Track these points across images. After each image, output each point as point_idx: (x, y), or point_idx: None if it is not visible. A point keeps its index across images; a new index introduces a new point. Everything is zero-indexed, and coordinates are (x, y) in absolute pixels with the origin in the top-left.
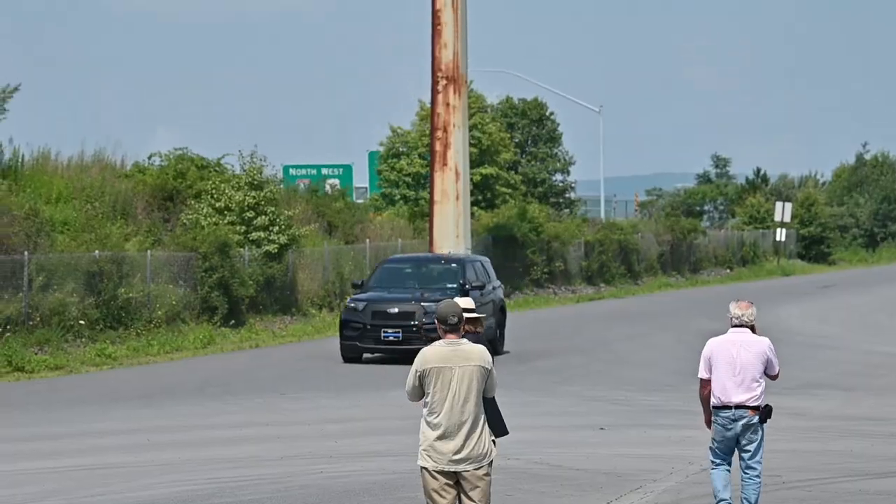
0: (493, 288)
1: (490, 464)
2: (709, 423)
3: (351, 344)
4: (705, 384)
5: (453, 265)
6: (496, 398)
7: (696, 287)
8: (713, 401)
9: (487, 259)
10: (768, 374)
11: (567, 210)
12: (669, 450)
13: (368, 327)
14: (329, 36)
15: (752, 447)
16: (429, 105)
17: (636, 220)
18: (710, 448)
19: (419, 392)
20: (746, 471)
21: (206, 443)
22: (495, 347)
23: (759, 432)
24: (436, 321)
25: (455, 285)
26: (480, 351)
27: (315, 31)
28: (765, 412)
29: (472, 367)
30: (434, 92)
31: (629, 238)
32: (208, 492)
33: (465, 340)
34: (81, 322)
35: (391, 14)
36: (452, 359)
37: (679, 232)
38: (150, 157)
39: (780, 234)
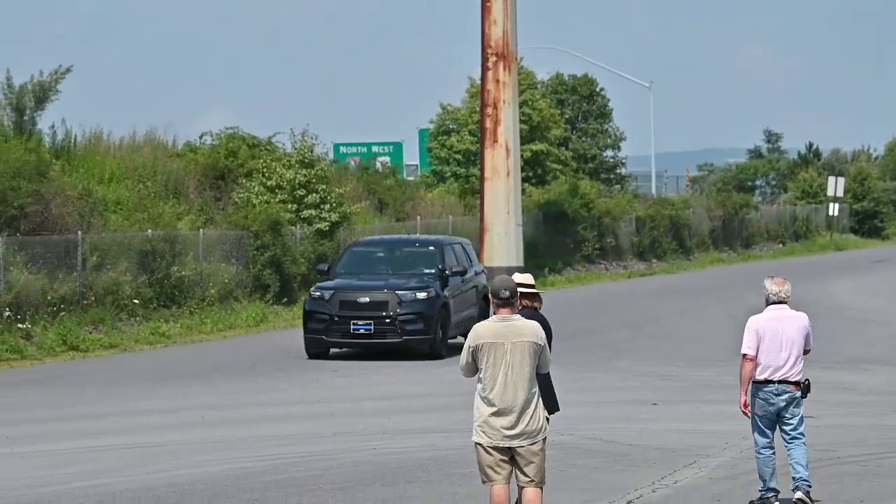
0: (476, 273)
1: (545, 439)
2: (745, 405)
3: (316, 338)
4: (750, 360)
5: (430, 248)
6: (550, 374)
7: (748, 262)
8: (756, 376)
9: (468, 241)
10: (805, 348)
11: (618, 186)
12: (722, 425)
13: (336, 319)
14: (379, 13)
15: (794, 420)
16: (479, 82)
17: (687, 196)
18: (755, 424)
19: (473, 368)
20: (792, 441)
21: (259, 420)
22: None
23: (801, 406)
24: (490, 295)
25: (433, 271)
26: (533, 327)
27: (365, 9)
28: (806, 387)
29: (524, 342)
30: (484, 69)
31: (680, 213)
32: (261, 469)
33: (517, 316)
34: (135, 301)
35: None
36: (505, 334)
37: (731, 207)
38: (201, 137)
39: (833, 209)
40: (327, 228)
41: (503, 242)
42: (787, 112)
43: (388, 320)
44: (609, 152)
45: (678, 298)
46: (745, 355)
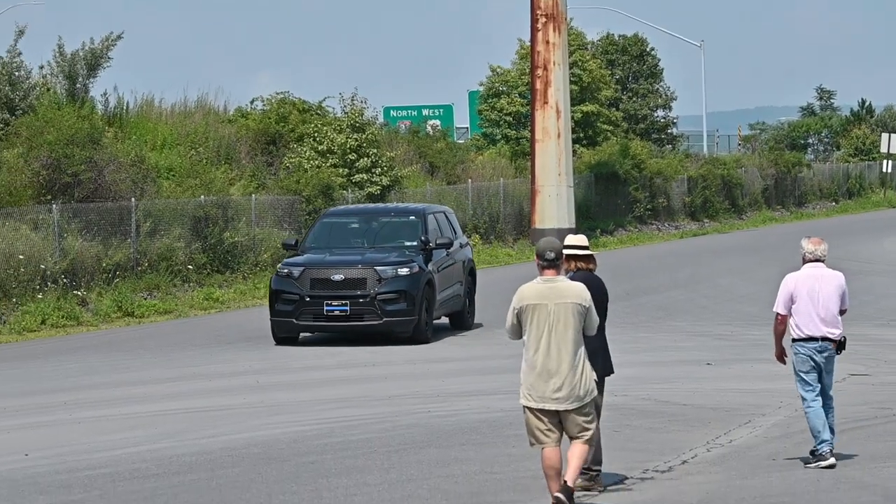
0: (461, 245)
1: (592, 402)
2: (779, 356)
3: (284, 321)
4: (782, 319)
5: (411, 218)
6: (606, 336)
7: (802, 221)
8: (797, 333)
9: (451, 210)
10: (841, 307)
11: (669, 146)
12: (776, 384)
13: (307, 299)
14: None
15: (829, 378)
16: (528, 43)
17: (739, 155)
18: (800, 380)
19: (518, 330)
20: (826, 403)
21: (314, 384)
22: (463, 320)
23: (834, 363)
24: (535, 256)
25: (415, 242)
26: (578, 288)
27: None
28: (841, 344)
29: (568, 303)
30: (533, 30)
31: (732, 173)
32: (316, 432)
33: (562, 277)
34: (189, 267)
35: None
36: (550, 295)
37: (783, 165)
38: (252, 102)
39: (887, 166)
40: (378, 192)
41: (554, 204)
42: (839, 69)
43: (366, 300)
44: (660, 112)
45: (731, 258)
46: (777, 314)
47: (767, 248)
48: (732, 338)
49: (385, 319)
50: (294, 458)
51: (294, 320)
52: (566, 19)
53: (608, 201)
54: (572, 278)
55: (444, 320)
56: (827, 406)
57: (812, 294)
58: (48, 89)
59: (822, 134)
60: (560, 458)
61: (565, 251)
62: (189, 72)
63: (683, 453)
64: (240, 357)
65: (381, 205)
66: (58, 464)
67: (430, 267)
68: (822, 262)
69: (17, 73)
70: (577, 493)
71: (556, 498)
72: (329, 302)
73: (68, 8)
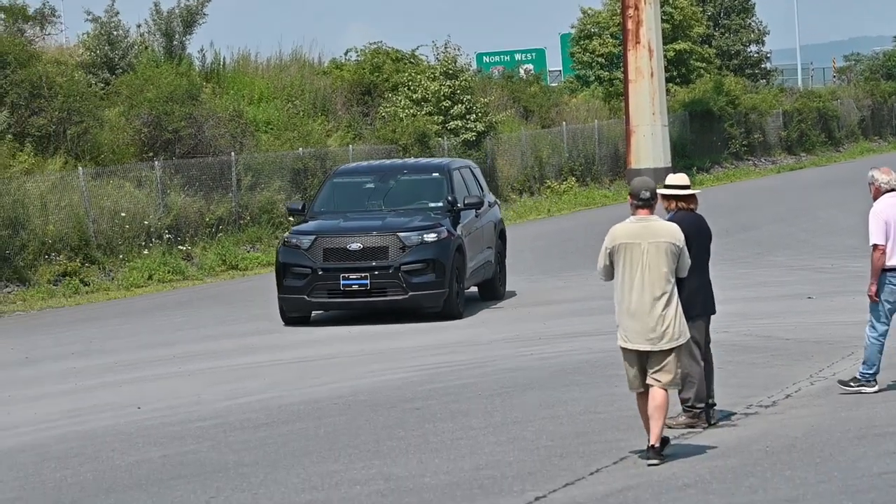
0: (490, 205)
1: (683, 346)
2: (874, 293)
3: (295, 298)
4: (882, 250)
5: (435, 175)
6: (710, 275)
7: None
8: (889, 263)
9: (475, 164)
10: None
11: (763, 81)
12: None
13: (320, 273)
14: None
15: None
16: None
17: (834, 87)
18: (880, 311)
19: (610, 271)
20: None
21: (415, 331)
22: (494, 289)
23: None
24: (628, 196)
25: (440, 203)
26: (671, 228)
27: None
28: None
29: (662, 242)
30: None
31: (828, 105)
32: (420, 379)
33: (655, 217)
34: (290, 219)
35: None
36: (642, 234)
37: (879, 95)
38: (346, 53)
39: None
40: (474, 139)
41: (650, 144)
42: None
43: (388, 271)
44: (753, 47)
45: (830, 191)
46: (876, 245)
47: (865, 179)
48: (833, 271)
49: (411, 293)
50: (400, 405)
51: (306, 297)
52: None
53: (703, 139)
54: (672, 218)
55: (475, 290)
56: None
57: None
58: (146, 48)
59: None
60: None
61: (666, 191)
62: (283, 25)
63: (787, 387)
64: None
65: (398, 160)
66: (169, 416)
67: (458, 231)
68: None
69: (115, 33)
70: (681, 431)
71: (651, 454)
72: (346, 275)
73: None
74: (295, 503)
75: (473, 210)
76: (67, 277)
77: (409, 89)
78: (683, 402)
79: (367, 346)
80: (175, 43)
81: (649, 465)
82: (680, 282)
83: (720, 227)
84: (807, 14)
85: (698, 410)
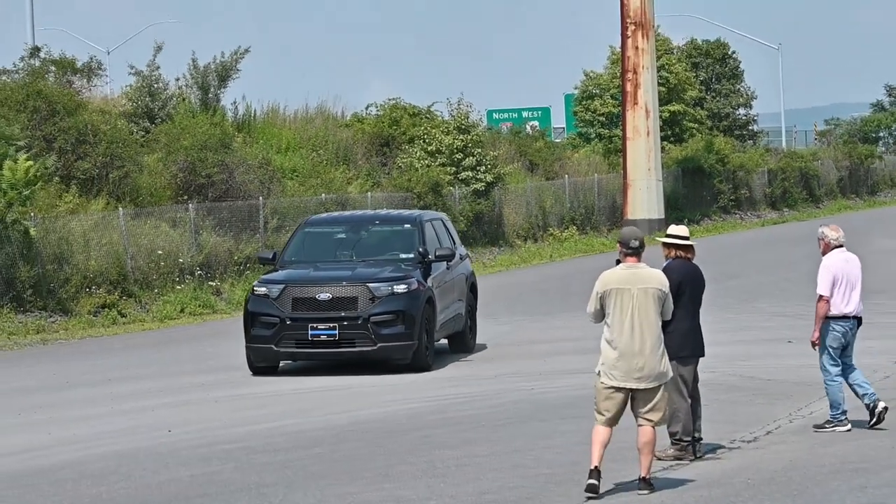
0: (461, 258)
1: (665, 385)
2: (817, 339)
3: (262, 348)
4: (826, 301)
5: (406, 226)
6: (700, 319)
7: (874, 208)
8: (836, 312)
9: (447, 217)
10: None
11: (750, 141)
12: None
13: (288, 322)
14: None
15: (851, 349)
16: (619, 49)
17: (816, 149)
18: (829, 356)
19: (600, 314)
20: (851, 367)
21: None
22: (465, 342)
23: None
24: (618, 244)
25: (411, 255)
26: (658, 275)
27: None
28: (860, 320)
29: (650, 288)
30: (623, 37)
31: (809, 165)
32: (429, 409)
33: (643, 264)
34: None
35: None
36: (632, 280)
37: (856, 157)
38: (367, 108)
39: None
40: (483, 188)
41: (645, 197)
42: None
43: (357, 322)
44: (741, 110)
45: (809, 244)
46: (821, 296)
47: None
48: (811, 317)
49: (380, 345)
50: (411, 432)
51: (273, 346)
52: (653, 26)
53: (694, 193)
54: (670, 265)
55: (444, 343)
56: (852, 367)
57: (847, 277)
58: (183, 99)
59: (893, 128)
60: (610, 437)
61: (668, 240)
62: (310, 81)
63: (768, 424)
64: None
65: (369, 212)
66: (198, 438)
67: (429, 283)
68: (843, 246)
69: (155, 86)
70: (669, 463)
71: (641, 485)
72: (314, 325)
73: (201, 25)
74: None
75: (445, 262)
76: (106, 309)
77: (424, 142)
78: (672, 435)
79: (382, 379)
80: (210, 95)
81: (639, 494)
82: (671, 325)
83: (709, 275)
84: (791, 81)
85: (685, 443)
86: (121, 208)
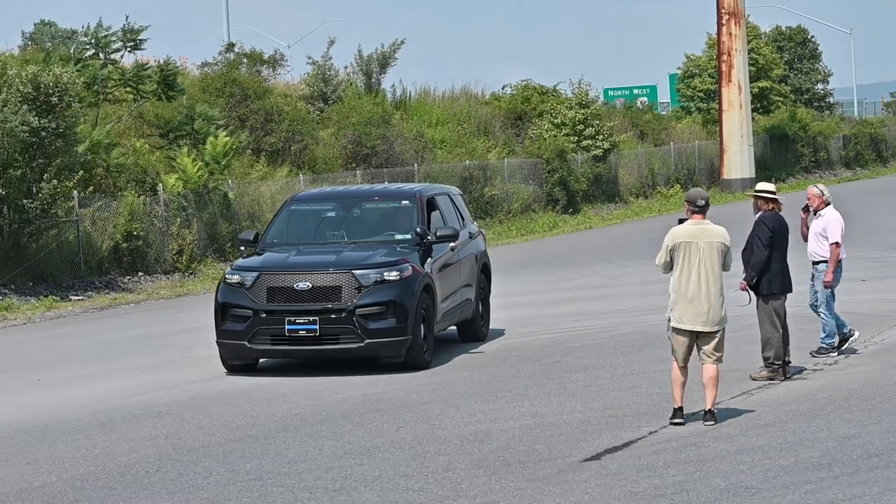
0: (470, 235)
1: (725, 328)
2: (830, 281)
3: (235, 344)
4: (839, 246)
5: (404, 203)
6: (787, 261)
7: None
8: (843, 256)
9: (456, 191)
10: None
11: (827, 112)
12: None
13: (262, 315)
14: None
15: None
16: (715, 35)
17: (883, 117)
18: (832, 294)
19: (670, 265)
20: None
21: (554, 302)
22: (474, 329)
23: None
24: (685, 202)
25: (408, 236)
26: (721, 230)
27: None
28: None
29: (715, 242)
30: (719, 24)
31: (878, 131)
32: (559, 339)
33: (708, 221)
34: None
35: None
36: (699, 235)
37: None
38: (503, 88)
39: None
40: (601, 154)
41: (738, 160)
42: None
43: (341, 315)
44: (819, 86)
45: (879, 197)
46: (837, 243)
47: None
48: (881, 260)
49: (368, 341)
50: (544, 359)
51: (246, 343)
52: (744, 15)
53: (780, 156)
54: (763, 216)
55: (453, 330)
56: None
57: (843, 228)
58: (351, 84)
59: None
60: (686, 376)
61: (758, 195)
62: (456, 65)
63: (845, 350)
64: (499, 282)
65: (365, 186)
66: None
67: (428, 267)
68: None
69: (328, 73)
70: (762, 382)
71: (707, 416)
72: (292, 319)
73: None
74: (463, 433)
75: (448, 241)
76: None
77: (551, 116)
78: (765, 359)
79: (519, 314)
80: (373, 80)
81: (705, 424)
82: (766, 264)
83: (792, 224)
84: (862, 60)
85: (777, 366)
86: (301, 175)
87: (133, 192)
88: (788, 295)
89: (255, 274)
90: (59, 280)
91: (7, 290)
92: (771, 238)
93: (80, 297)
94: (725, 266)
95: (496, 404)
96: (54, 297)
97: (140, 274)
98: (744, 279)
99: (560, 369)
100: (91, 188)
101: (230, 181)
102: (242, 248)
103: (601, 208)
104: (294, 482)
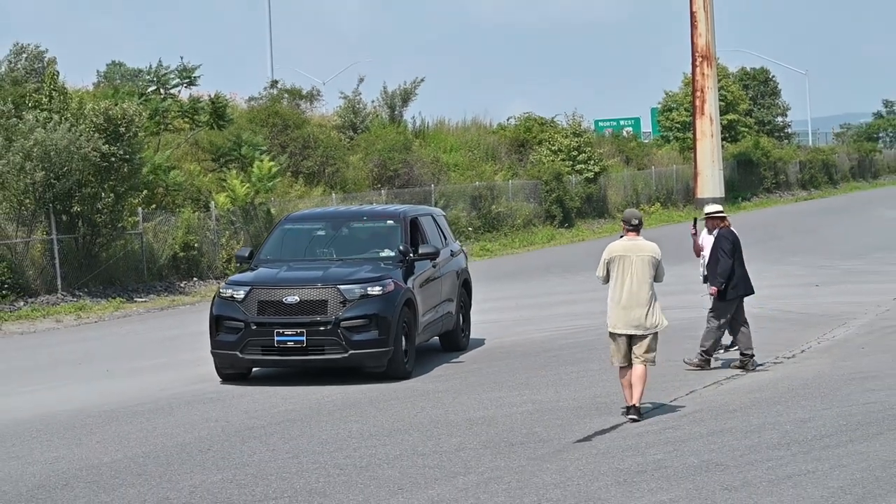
0: (452, 253)
1: (659, 330)
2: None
3: (227, 354)
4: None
5: (389, 222)
6: (747, 269)
7: (877, 188)
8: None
9: (440, 211)
10: None
11: (786, 140)
12: (863, 298)
13: (254, 327)
14: (623, 33)
15: None
16: (690, 75)
17: (834, 146)
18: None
19: (607, 277)
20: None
21: (553, 304)
22: (455, 339)
23: None
24: (622, 221)
25: (393, 253)
26: (653, 246)
27: (614, 32)
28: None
29: (646, 256)
30: (693, 66)
31: (829, 157)
32: (555, 336)
33: (641, 237)
34: (469, 228)
35: (660, 14)
36: (632, 249)
37: (863, 151)
38: (508, 119)
39: None
40: (592, 176)
41: (710, 181)
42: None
43: (326, 327)
44: (779, 118)
45: (829, 214)
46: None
47: (854, 207)
48: (833, 267)
49: (352, 352)
50: (542, 354)
51: (238, 353)
52: (716, 58)
53: (746, 178)
54: (721, 233)
55: (436, 341)
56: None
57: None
58: (377, 115)
59: (888, 130)
60: (630, 376)
61: (711, 216)
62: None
63: (801, 346)
64: (503, 287)
65: (353, 207)
66: None
67: (410, 283)
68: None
69: (357, 106)
70: (734, 372)
71: (632, 411)
72: (280, 330)
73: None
74: (472, 417)
75: (430, 259)
76: None
77: (549, 143)
78: (702, 349)
79: (518, 315)
80: (396, 112)
81: (630, 419)
82: (731, 272)
83: (756, 237)
84: (816, 96)
85: (745, 359)
86: (333, 194)
87: (189, 208)
88: (752, 297)
89: (247, 288)
90: (126, 284)
91: (81, 293)
92: (732, 249)
93: (143, 299)
94: (657, 277)
95: (501, 393)
96: (121, 298)
97: (195, 279)
98: (713, 285)
99: (556, 362)
100: (153, 205)
101: (273, 199)
102: (238, 263)
103: (592, 223)
104: (326, 460)
